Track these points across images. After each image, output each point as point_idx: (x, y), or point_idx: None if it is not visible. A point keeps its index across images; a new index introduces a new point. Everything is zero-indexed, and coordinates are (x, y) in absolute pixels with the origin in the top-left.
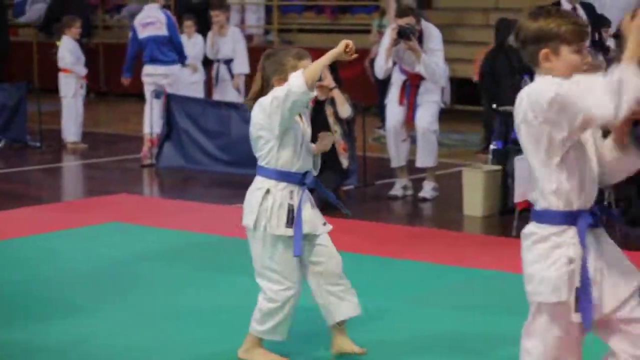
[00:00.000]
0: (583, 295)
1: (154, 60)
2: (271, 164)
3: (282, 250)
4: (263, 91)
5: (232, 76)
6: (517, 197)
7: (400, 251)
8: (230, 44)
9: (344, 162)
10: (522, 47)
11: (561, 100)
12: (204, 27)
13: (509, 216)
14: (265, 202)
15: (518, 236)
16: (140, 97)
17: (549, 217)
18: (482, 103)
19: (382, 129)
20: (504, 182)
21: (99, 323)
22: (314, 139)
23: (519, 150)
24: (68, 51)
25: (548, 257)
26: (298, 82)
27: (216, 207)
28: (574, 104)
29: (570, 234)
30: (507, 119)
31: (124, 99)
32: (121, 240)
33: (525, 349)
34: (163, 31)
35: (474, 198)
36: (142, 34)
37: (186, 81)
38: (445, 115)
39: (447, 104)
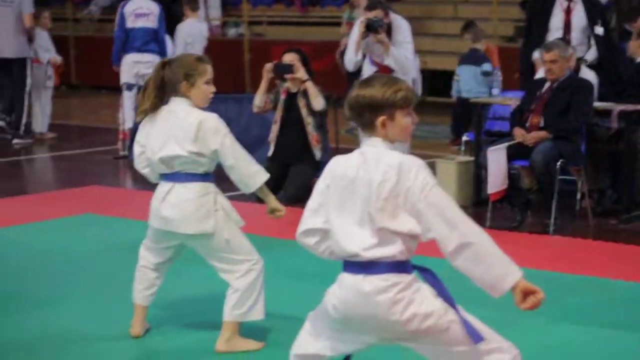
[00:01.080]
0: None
1: (141, 50)
2: (210, 170)
3: (238, 233)
4: (160, 102)
5: None
6: (491, 188)
7: None
8: None
9: (317, 154)
10: (357, 114)
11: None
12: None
13: (482, 207)
14: (216, 204)
15: (492, 227)
16: (111, 89)
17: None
18: (452, 95)
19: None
20: (477, 174)
21: (71, 315)
22: (286, 130)
23: (491, 142)
24: (40, 43)
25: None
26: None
27: None
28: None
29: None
30: (480, 111)
31: (95, 92)
32: (93, 232)
33: None
34: (154, 24)
35: (448, 189)
36: (133, 24)
37: None
38: (416, 107)
39: (418, 96)
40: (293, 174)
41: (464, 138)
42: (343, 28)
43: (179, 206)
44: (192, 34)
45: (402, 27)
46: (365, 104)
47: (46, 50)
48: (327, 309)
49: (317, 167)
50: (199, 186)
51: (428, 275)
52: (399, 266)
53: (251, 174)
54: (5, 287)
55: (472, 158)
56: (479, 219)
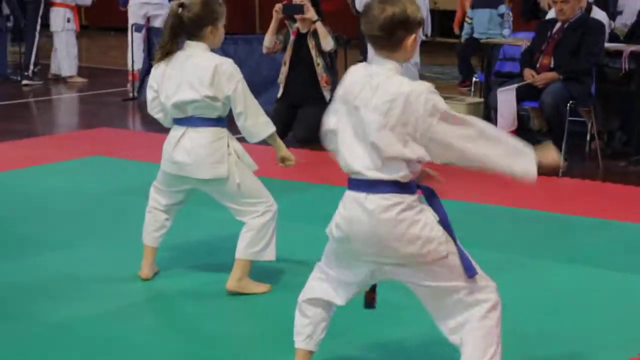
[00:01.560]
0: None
1: None
2: (223, 115)
3: (252, 177)
4: (175, 45)
5: None
6: (500, 129)
7: None
8: None
9: (327, 96)
10: (388, 33)
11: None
12: None
13: None
14: (229, 148)
15: None
16: (119, 30)
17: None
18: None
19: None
20: (487, 115)
21: (80, 257)
22: (296, 70)
23: (501, 83)
24: None
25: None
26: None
27: None
28: None
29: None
30: (490, 52)
31: (103, 33)
32: (102, 174)
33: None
34: None
35: None
36: None
37: None
38: (425, 48)
39: (428, 36)
40: (302, 115)
41: (474, 79)
42: None
43: (192, 151)
44: None
45: None
46: (399, 22)
47: None
48: (331, 231)
49: (327, 109)
50: (212, 131)
51: (434, 200)
52: (403, 186)
53: (258, 124)
54: (15, 230)
55: (481, 99)
56: None
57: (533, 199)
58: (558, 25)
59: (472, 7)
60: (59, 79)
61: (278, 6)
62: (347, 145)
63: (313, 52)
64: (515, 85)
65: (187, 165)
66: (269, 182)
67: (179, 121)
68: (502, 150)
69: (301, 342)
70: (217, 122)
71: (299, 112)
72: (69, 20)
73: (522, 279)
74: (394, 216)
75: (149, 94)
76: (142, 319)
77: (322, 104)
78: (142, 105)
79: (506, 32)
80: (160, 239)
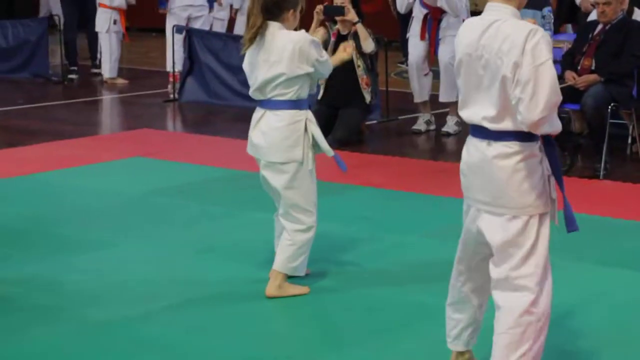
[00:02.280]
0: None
1: None
2: (301, 96)
3: (314, 181)
4: (264, 28)
5: None
6: None
7: (423, 186)
8: None
9: (367, 97)
10: None
11: None
12: None
13: None
14: (307, 132)
15: None
16: (161, 31)
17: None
18: None
19: (404, 64)
20: None
21: (121, 257)
22: (336, 72)
23: None
24: None
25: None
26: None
27: (238, 142)
28: None
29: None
30: None
31: (145, 34)
32: (143, 175)
33: None
34: None
35: None
36: None
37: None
38: None
39: None
40: (342, 116)
41: None
42: None
43: (268, 134)
44: None
45: None
46: None
47: None
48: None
49: (367, 110)
50: (289, 113)
51: (551, 150)
52: (523, 136)
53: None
54: (56, 230)
55: None
56: None
57: (573, 201)
58: (599, 27)
59: None
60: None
61: (319, 7)
62: (466, 94)
63: (353, 54)
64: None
65: (262, 147)
66: None
67: (260, 103)
68: None
69: (450, 343)
70: (295, 104)
71: (339, 113)
72: (115, 22)
73: (563, 280)
74: (513, 165)
75: (248, 76)
76: (181, 319)
77: (362, 106)
78: (182, 107)
79: (547, 33)
80: None
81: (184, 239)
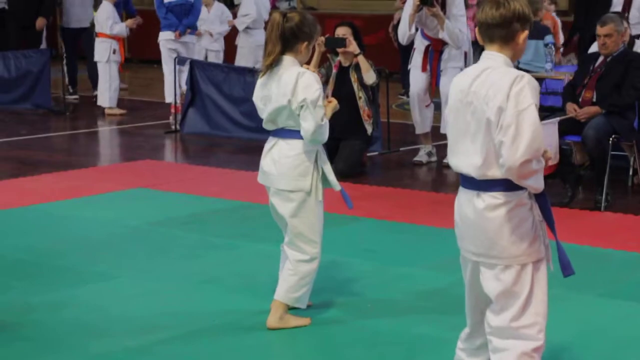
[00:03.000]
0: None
1: (177, 27)
2: None
3: (321, 212)
4: (281, 56)
5: None
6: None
7: (424, 217)
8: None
9: (368, 129)
10: (504, 27)
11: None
12: None
13: None
14: (317, 163)
15: None
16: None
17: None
18: None
19: (405, 95)
20: None
21: (122, 289)
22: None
23: (543, 117)
24: (102, 16)
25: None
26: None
27: (240, 173)
28: None
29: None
30: None
31: (146, 65)
32: (145, 206)
33: None
34: None
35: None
36: None
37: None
38: None
39: None
40: (344, 148)
41: None
42: (397, 2)
43: (279, 162)
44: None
45: (455, 0)
46: (517, 16)
47: (114, 23)
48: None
49: (368, 142)
50: (301, 143)
51: (542, 199)
52: (510, 185)
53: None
54: (55, 262)
55: None
56: None
57: (575, 233)
58: (601, 59)
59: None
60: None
61: (321, 39)
62: (454, 143)
63: (355, 86)
64: (558, 119)
65: (272, 175)
66: None
67: (272, 133)
68: None
69: None
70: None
71: (340, 145)
72: (114, 52)
73: (564, 312)
74: (503, 215)
75: (257, 107)
76: (182, 352)
77: (364, 138)
78: (184, 138)
79: (548, 65)
80: None
81: (186, 271)
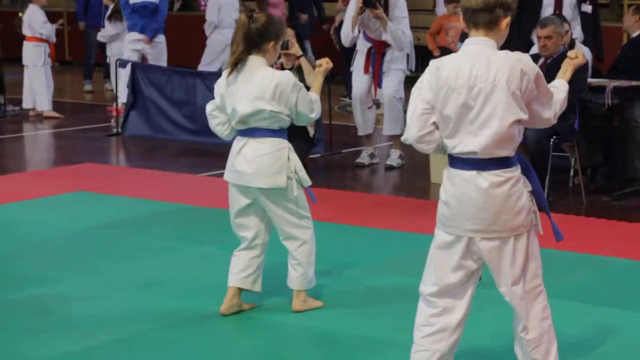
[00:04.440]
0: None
1: (143, 28)
2: (283, 126)
3: (303, 197)
4: (247, 57)
5: None
6: None
7: (366, 219)
8: None
9: (310, 131)
10: (488, 11)
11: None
12: None
13: None
14: (289, 160)
15: None
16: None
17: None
18: None
19: (348, 98)
20: None
21: (64, 293)
22: None
23: None
24: (36, 19)
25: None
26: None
27: (182, 176)
28: None
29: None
30: None
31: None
32: (86, 210)
33: None
34: None
35: (441, 166)
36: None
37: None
38: (410, 83)
39: (412, 71)
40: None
41: None
42: (339, 3)
43: (253, 161)
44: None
45: (398, 2)
46: (500, 2)
47: (42, 28)
48: (439, 210)
49: (310, 144)
50: (273, 141)
51: (530, 173)
52: (509, 161)
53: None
54: (1, 267)
55: None
56: None
57: None
58: (541, 60)
59: (462, 40)
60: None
61: None
62: (455, 128)
63: None
64: None
65: (247, 174)
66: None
67: (241, 132)
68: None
69: None
70: (278, 133)
71: None
72: (49, 55)
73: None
74: (507, 191)
75: (209, 106)
76: (122, 355)
77: (306, 139)
78: (126, 140)
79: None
80: (248, 279)
81: (128, 274)
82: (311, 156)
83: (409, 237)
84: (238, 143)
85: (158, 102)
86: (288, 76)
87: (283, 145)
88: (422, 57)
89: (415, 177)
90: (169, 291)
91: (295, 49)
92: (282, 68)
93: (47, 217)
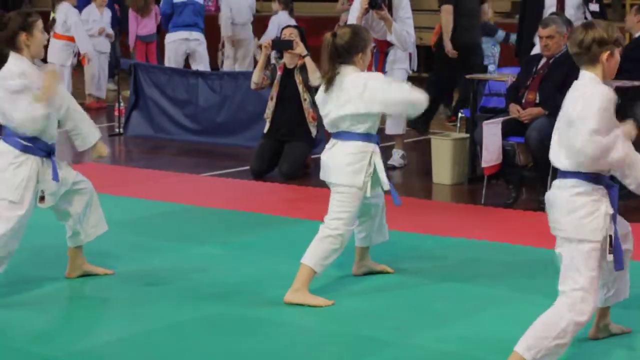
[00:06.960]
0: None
1: (189, 26)
2: (371, 131)
3: (359, 204)
4: (335, 70)
5: None
6: (485, 163)
7: None
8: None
9: (313, 131)
10: (585, 49)
11: None
12: None
13: (477, 184)
14: (370, 165)
15: (487, 204)
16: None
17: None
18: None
19: None
20: (473, 150)
21: (64, 293)
22: (282, 106)
23: (487, 119)
24: (67, 18)
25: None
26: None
27: (184, 176)
28: None
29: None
30: (476, 87)
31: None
32: None
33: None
34: None
35: (443, 166)
36: None
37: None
38: (412, 83)
39: (415, 71)
40: (288, 150)
41: (460, 115)
42: (341, 3)
43: (337, 156)
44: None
45: (403, 2)
46: (594, 40)
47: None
48: None
49: (313, 144)
50: (358, 144)
51: (613, 192)
52: (587, 176)
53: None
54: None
55: (467, 135)
56: (473, 196)
57: (518, 234)
58: (543, 60)
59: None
60: None
61: (267, 42)
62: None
63: (300, 88)
64: (501, 119)
65: (328, 169)
66: (254, 216)
67: (333, 135)
68: None
69: None
70: (364, 136)
71: (285, 147)
72: (74, 55)
73: (503, 313)
74: (567, 196)
75: (320, 109)
76: (119, 356)
77: (309, 140)
78: (128, 141)
79: (491, 67)
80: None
81: (129, 274)
82: (313, 156)
83: (410, 236)
84: (329, 144)
85: (160, 102)
86: (375, 75)
87: (367, 149)
88: (426, 57)
89: (417, 176)
90: (169, 291)
91: (300, 49)
92: (284, 68)
93: (46, 218)
